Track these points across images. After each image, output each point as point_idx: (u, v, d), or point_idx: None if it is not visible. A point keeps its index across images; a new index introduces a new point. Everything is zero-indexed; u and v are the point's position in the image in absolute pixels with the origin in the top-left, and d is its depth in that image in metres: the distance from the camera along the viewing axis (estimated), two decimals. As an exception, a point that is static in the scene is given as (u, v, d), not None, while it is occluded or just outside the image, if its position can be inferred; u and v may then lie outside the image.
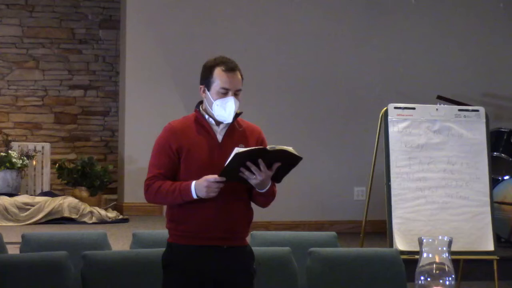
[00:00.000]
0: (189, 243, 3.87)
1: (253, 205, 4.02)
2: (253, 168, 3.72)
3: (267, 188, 3.84)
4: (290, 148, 3.75)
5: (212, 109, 3.90)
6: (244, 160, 3.71)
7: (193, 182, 3.79)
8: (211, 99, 3.89)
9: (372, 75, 9.12)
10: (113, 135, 10.13)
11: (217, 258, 3.87)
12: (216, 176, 3.74)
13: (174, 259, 3.91)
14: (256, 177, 3.74)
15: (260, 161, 3.72)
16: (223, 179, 3.74)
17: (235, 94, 3.89)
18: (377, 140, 6.53)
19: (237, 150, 3.69)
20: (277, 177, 3.84)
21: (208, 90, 3.91)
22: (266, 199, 3.92)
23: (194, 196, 3.79)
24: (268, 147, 3.72)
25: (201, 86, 3.95)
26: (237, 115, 3.94)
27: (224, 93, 3.88)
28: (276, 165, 3.76)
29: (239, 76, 3.92)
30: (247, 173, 3.74)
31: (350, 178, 8.96)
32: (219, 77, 3.88)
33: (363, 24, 9.14)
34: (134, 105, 8.88)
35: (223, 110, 3.88)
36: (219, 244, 3.87)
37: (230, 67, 3.89)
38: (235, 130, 3.95)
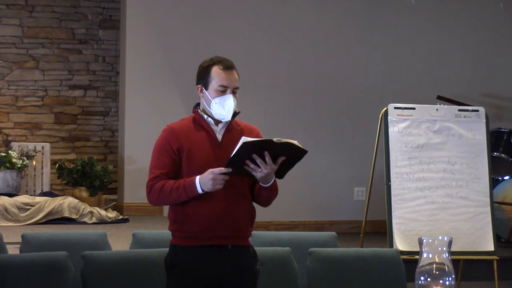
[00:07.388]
0: (194, 244, 3.86)
1: (255, 204, 4.02)
2: (258, 160, 3.73)
3: (271, 182, 3.85)
4: (295, 142, 3.76)
5: (210, 108, 3.91)
6: (250, 151, 3.71)
7: (197, 177, 3.79)
8: (209, 97, 3.90)
9: (372, 75, 9.11)
10: (113, 135, 10.12)
11: (222, 259, 3.87)
12: (221, 168, 3.74)
13: (178, 261, 3.90)
14: (262, 170, 3.74)
15: (266, 153, 3.72)
16: (229, 170, 3.74)
17: (233, 92, 3.91)
18: (377, 140, 6.52)
19: (244, 139, 3.69)
20: (280, 173, 3.85)
21: (206, 89, 3.92)
22: (270, 194, 3.93)
23: (200, 191, 3.78)
24: (274, 139, 3.73)
25: (198, 86, 3.96)
26: (235, 114, 3.95)
27: (222, 91, 3.89)
28: (281, 159, 3.76)
29: (236, 75, 3.94)
30: (252, 165, 3.74)
31: (350, 178, 8.96)
32: (217, 75, 3.89)
33: (363, 24, 9.14)
34: (134, 105, 8.87)
35: (222, 108, 3.88)
36: (224, 243, 3.87)
37: (228, 65, 3.91)
38: (234, 129, 3.96)
